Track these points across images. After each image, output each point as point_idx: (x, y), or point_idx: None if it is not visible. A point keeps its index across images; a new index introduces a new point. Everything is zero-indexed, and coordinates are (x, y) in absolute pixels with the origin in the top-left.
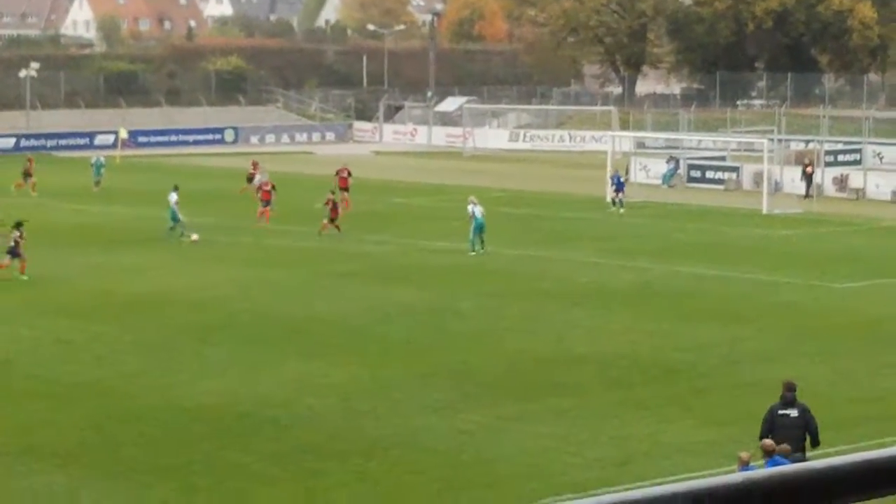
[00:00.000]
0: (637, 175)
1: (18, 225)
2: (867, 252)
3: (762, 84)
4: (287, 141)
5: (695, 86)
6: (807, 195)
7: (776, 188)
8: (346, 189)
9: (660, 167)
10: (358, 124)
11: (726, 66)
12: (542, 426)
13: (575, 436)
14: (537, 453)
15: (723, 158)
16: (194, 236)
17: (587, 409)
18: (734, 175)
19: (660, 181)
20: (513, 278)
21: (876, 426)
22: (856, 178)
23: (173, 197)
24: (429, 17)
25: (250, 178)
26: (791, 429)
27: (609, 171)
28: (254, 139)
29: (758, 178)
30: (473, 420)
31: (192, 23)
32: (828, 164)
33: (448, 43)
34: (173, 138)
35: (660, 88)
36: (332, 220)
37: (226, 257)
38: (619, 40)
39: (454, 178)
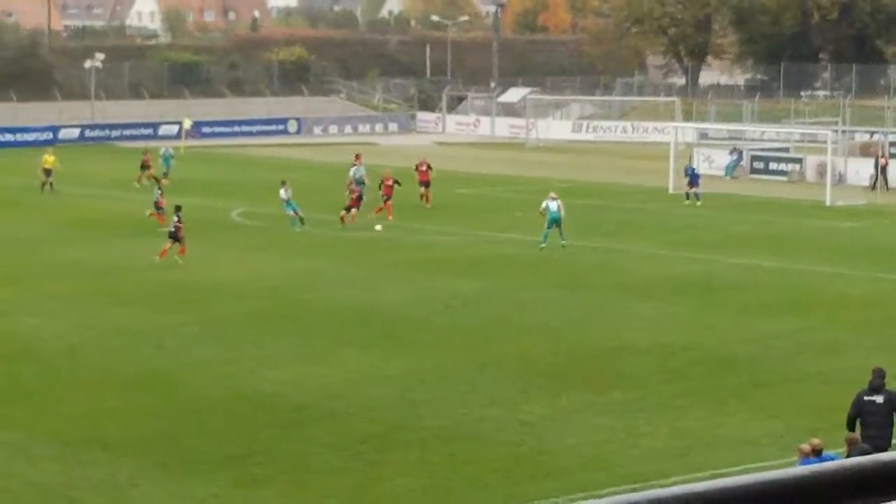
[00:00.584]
0: (700, 166)
1: (177, 209)
2: None
3: (826, 75)
4: (350, 132)
5: (759, 76)
6: (874, 187)
7: (840, 180)
8: (427, 183)
9: (723, 158)
10: (421, 115)
11: (791, 56)
12: (603, 417)
13: (635, 427)
14: (598, 444)
15: (786, 150)
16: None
17: (648, 401)
18: (797, 166)
19: (723, 172)
20: (575, 269)
21: None
22: None
23: (283, 193)
24: (492, 8)
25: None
26: (876, 415)
27: (679, 163)
28: (317, 130)
29: (821, 170)
30: (534, 411)
31: (257, 13)
32: (892, 156)
33: (511, 33)
34: (237, 129)
35: (723, 79)
36: (348, 209)
37: (288, 247)
38: (683, 31)
39: (517, 169)
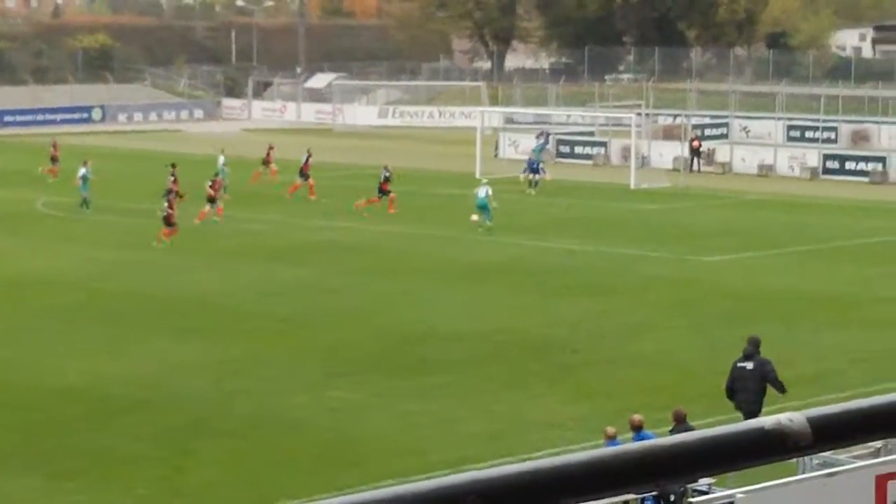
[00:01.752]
0: (506, 150)
1: (168, 193)
2: (734, 225)
3: (630, 58)
4: (155, 119)
5: (564, 60)
6: (692, 169)
7: (643, 163)
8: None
9: (529, 142)
10: (227, 101)
11: (595, 40)
12: (413, 403)
13: (445, 412)
14: (407, 430)
15: (591, 133)
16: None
17: (458, 386)
18: (602, 150)
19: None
20: (385, 255)
21: None
22: (722, 152)
23: (83, 171)
24: None
25: (266, 162)
26: (746, 380)
27: (485, 149)
28: (122, 117)
29: (626, 153)
30: (345, 398)
31: (59, 0)
32: (702, 138)
33: (318, 19)
34: (40, 117)
35: (529, 63)
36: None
37: (96, 237)
38: (489, 14)
39: (325, 156)
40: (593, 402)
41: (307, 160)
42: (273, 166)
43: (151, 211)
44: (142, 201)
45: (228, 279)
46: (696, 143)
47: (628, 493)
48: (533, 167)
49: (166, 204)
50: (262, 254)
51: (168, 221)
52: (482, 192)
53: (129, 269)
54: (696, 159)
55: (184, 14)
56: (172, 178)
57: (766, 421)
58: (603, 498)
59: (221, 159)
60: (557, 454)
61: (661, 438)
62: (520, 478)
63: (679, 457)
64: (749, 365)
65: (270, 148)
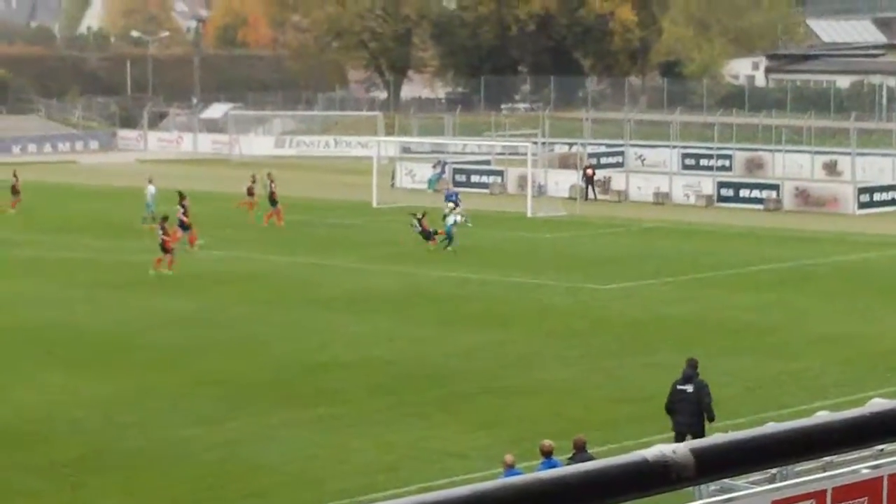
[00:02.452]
0: (403, 180)
1: (164, 220)
2: (629, 253)
3: (526, 87)
4: (49, 150)
5: (460, 90)
6: (587, 198)
7: (540, 191)
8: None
9: (426, 171)
10: (122, 132)
11: (491, 69)
12: (310, 433)
13: (343, 443)
14: (305, 461)
15: (488, 162)
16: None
17: (355, 416)
18: (499, 179)
19: (426, 186)
20: (281, 285)
21: (639, 426)
22: (618, 181)
23: None
24: (193, 24)
25: (250, 192)
26: (685, 403)
27: (381, 178)
28: (15, 149)
29: (522, 182)
30: (240, 429)
31: None
32: (597, 167)
33: (213, 49)
34: None
35: (425, 93)
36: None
37: None
38: (384, 45)
39: (223, 186)
40: (492, 431)
41: (272, 186)
42: (256, 197)
43: (41, 242)
44: (30, 233)
45: (122, 311)
46: (589, 172)
47: None
48: (450, 198)
49: (161, 231)
50: (155, 284)
51: (164, 248)
52: (450, 220)
53: (20, 301)
54: (590, 187)
55: (77, 45)
56: (182, 210)
57: (648, 452)
58: None
59: (151, 189)
60: (456, 484)
61: (544, 471)
62: None
63: (562, 490)
64: (689, 388)
65: (253, 179)
